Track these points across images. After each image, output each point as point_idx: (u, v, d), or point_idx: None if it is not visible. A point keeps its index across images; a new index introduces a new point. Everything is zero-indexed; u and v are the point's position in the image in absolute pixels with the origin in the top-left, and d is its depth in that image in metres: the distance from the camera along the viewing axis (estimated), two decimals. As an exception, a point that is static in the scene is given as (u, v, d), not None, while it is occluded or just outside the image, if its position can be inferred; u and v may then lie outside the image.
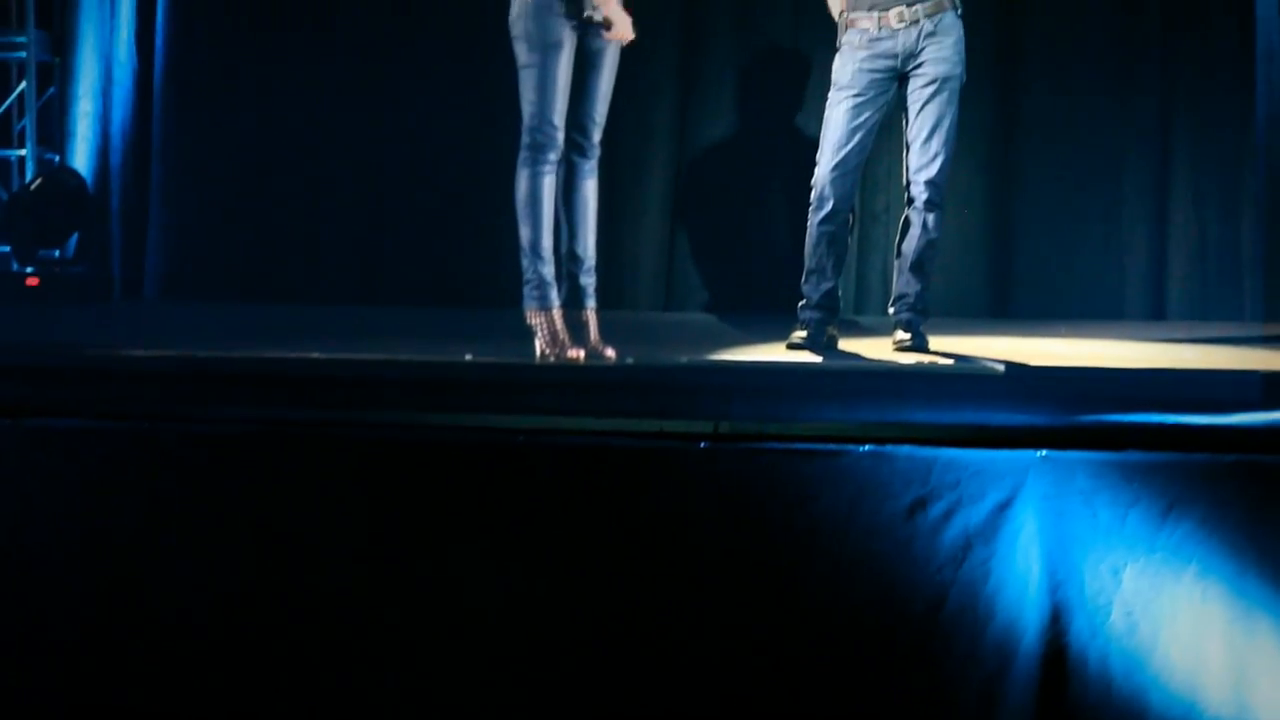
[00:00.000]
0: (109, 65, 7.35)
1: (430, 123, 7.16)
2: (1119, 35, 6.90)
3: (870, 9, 5.07)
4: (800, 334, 5.17)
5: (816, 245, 5.16)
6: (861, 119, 5.09)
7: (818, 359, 5.00)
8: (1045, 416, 3.68)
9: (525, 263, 4.72)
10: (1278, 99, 6.69)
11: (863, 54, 5.08)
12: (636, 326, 6.11)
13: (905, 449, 3.39)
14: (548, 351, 4.68)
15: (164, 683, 3.51)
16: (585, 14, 4.61)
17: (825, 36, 5.36)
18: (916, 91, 5.08)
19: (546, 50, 4.61)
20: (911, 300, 5.16)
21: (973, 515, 3.36)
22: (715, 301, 7.06)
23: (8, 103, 7.43)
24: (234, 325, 6.09)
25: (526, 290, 4.73)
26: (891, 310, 5.22)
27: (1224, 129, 6.84)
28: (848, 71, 5.11)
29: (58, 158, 7.42)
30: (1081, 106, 6.91)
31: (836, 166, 5.10)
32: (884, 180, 6.70)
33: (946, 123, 5.09)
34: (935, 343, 5.13)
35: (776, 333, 5.33)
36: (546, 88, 4.63)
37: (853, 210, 5.27)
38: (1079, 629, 3.33)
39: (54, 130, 7.41)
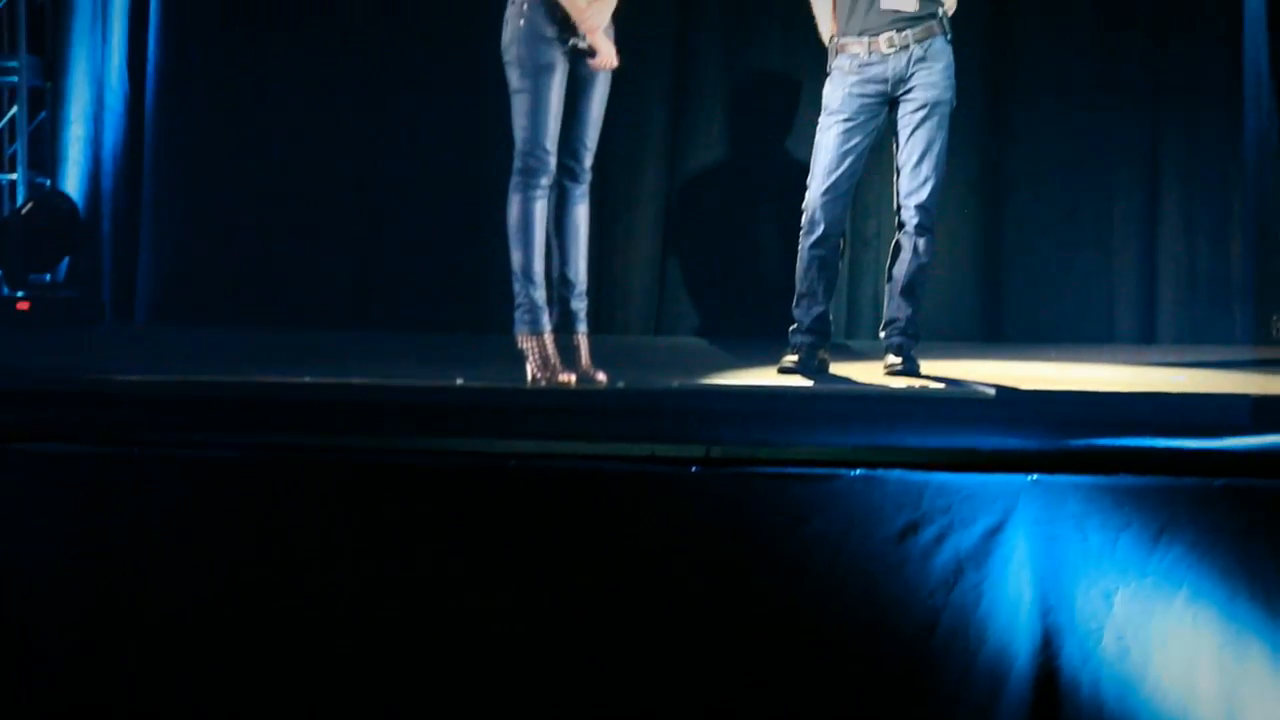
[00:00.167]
0: (101, 90, 7.35)
1: (422, 147, 7.16)
2: (1108, 61, 6.92)
3: (861, 34, 5.08)
4: (791, 358, 5.17)
5: (807, 269, 5.17)
6: (852, 143, 5.10)
7: (809, 383, 5.00)
8: (1036, 441, 3.68)
9: (517, 287, 4.73)
10: (1265, 125, 6.73)
11: (853, 79, 5.10)
12: (628, 351, 6.12)
13: (897, 473, 3.39)
14: (539, 376, 4.68)
15: (154, 707, 3.49)
16: (571, 42, 4.64)
17: (816, 61, 5.37)
18: (907, 116, 5.10)
19: (539, 75, 4.63)
20: (902, 324, 5.16)
21: (964, 539, 3.36)
22: (706, 326, 7.06)
23: (-1, 127, 7.45)
24: (225, 350, 6.08)
25: (518, 314, 4.73)
26: (882, 334, 5.22)
27: (1213, 154, 6.86)
28: (838, 96, 5.12)
29: (49, 182, 7.42)
30: (1071, 131, 6.93)
31: (827, 191, 5.11)
32: (875, 204, 6.71)
33: (937, 147, 5.10)
34: (926, 367, 5.14)
35: (768, 357, 5.33)
36: (538, 113, 4.64)
37: (844, 234, 5.27)
38: (1071, 653, 3.33)
39: (45, 154, 7.41)
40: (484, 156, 6.60)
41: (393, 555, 3.50)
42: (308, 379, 4.77)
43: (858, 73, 5.09)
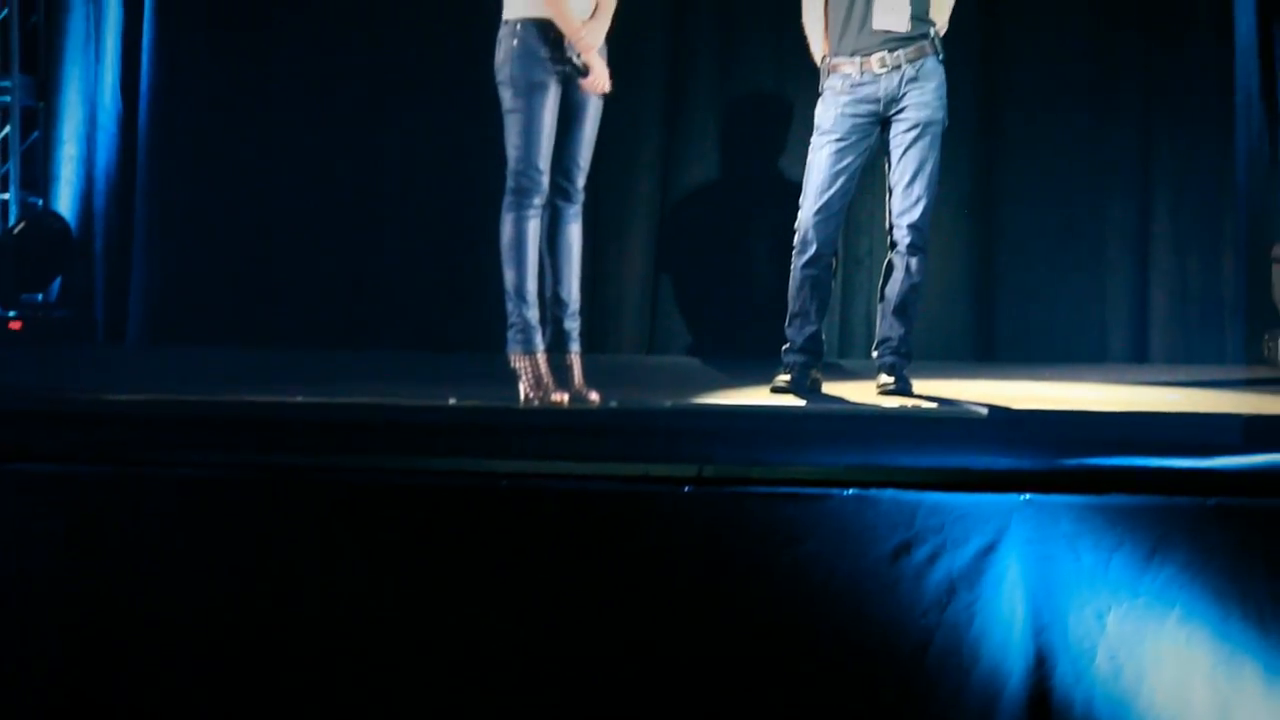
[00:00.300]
0: (93, 110, 7.36)
1: (414, 166, 7.18)
2: (1100, 82, 6.94)
3: (853, 54, 5.10)
4: (784, 377, 5.18)
5: (800, 289, 5.18)
6: (844, 163, 5.11)
7: (801, 402, 5.00)
8: (1029, 460, 3.69)
9: (510, 306, 4.73)
10: (1256, 144, 6.75)
11: (845, 99, 5.11)
12: (620, 370, 6.12)
13: (889, 493, 3.39)
14: (532, 395, 4.68)
15: (145, 729, 3.49)
16: (564, 63, 4.65)
17: (808, 82, 5.39)
18: (899, 136, 5.11)
19: (532, 95, 4.64)
20: (895, 344, 5.17)
21: (957, 559, 3.36)
22: (699, 345, 7.07)
23: (-9, 147, 7.45)
24: (217, 369, 6.08)
25: (511, 334, 4.73)
26: (875, 354, 5.23)
27: (1204, 174, 6.89)
28: (830, 116, 5.13)
29: (41, 201, 7.42)
30: (1063, 151, 6.95)
31: (819, 210, 5.12)
32: (867, 224, 6.72)
33: (929, 167, 5.11)
34: (919, 386, 5.14)
35: (760, 376, 5.33)
36: (531, 133, 4.65)
37: (836, 254, 5.28)
38: (1064, 673, 3.33)
39: (38, 174, 7.42)
40: (477, 176, 6.61)
41: (386, 575, 3.49)
42: (300, 398, 4.77)
43: (850, 93, 5.10)
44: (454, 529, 3.49)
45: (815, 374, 5.25)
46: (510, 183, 4.70)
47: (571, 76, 4.69)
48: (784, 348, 5.23)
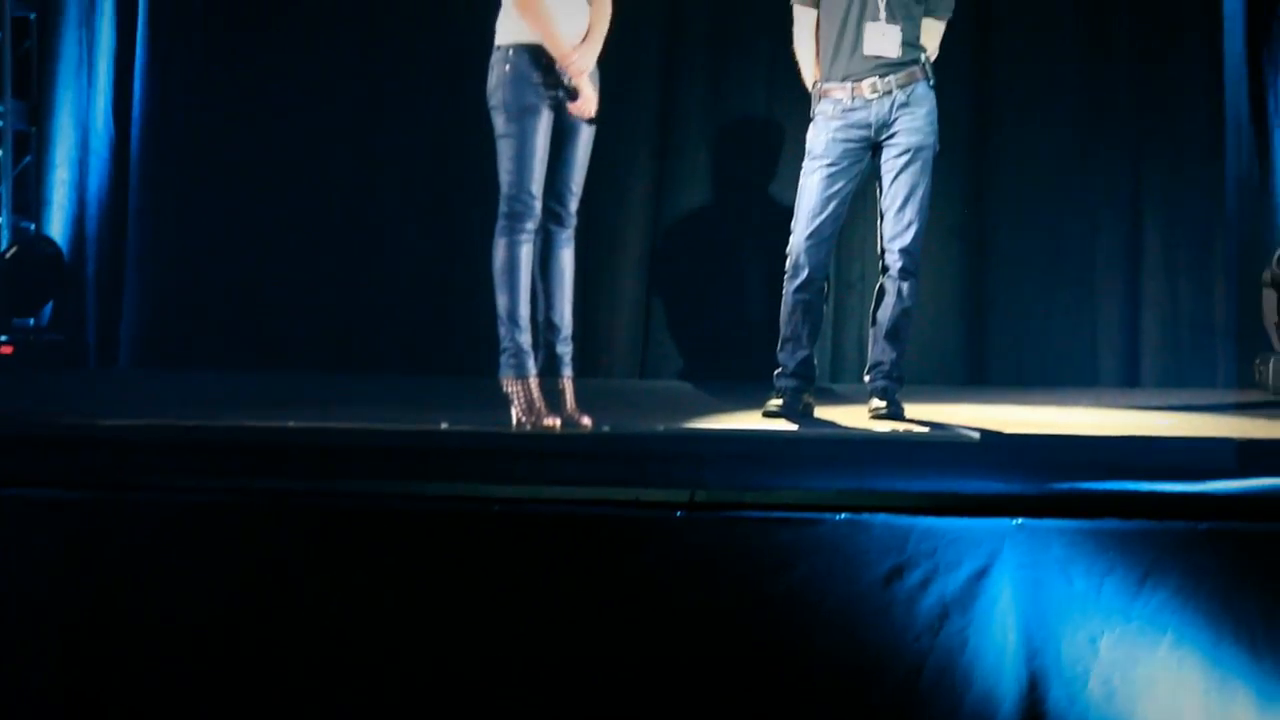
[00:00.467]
0: (86, 134, 7.37)
1: (407, 192, 7.19)
2: (1090, 106, 6.97)
3: (844, 79, 5.11)
4: (776, 402, 5.18)
5: (792, 313, 5.18)
6: (836, 188, 5.13)
7: (793, 427, 5.00)
8: (1021, 484, 3.69)
9: (502, 331, 4.73)
10: (1246, 169, 6.77)
11: (836, 124, 5.12)
12: (613, 394, 6.12)
13: (881, 517, 3.39)
14: (524, 420, 4.68)
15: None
16: (559, 80, 4.66)
17: (799, 106, 5.40)
18: (890, 161, 5.12)
19: (524, 120, 4.65)
20: (887, 368, 5.17)
21: (949, 583, 3.36)
22: (691, 369, 7.07)
23: (-16, 171, 7.45)
24: (209, 393, 6.08)
25: (503, 358, 4.73)
26: (867, 378, 5.23)
27: (1194, 198, 6.90)
28: (822, 141, 5.15)
29: (34, 226, 7.42)
30: (1054, 175, 6.97)
31: (811, 235, 5.13)
32: (859, 249, 6.73)
33: (920, 192, 5.12)
34: (911, 410, 5.14)
35: (752, 401, 5.33)
36: (524, 157, 4.66)
37: (828, 279, 5.29)
38: (1056, 698, 3.32)
39: (30, 198, 7.42)
40: (469, 201, 6.63)
41: (379, 599, 3.49)
42: (292, 423, 4.77)
43: (841, 118, 5.11)
44: (446, 553, 3.49)
45: (807, 398, 5.26)
46: (503, 207, 4.71)
47: (563, 101, 4.70)
48: (776, 372, 5.23)
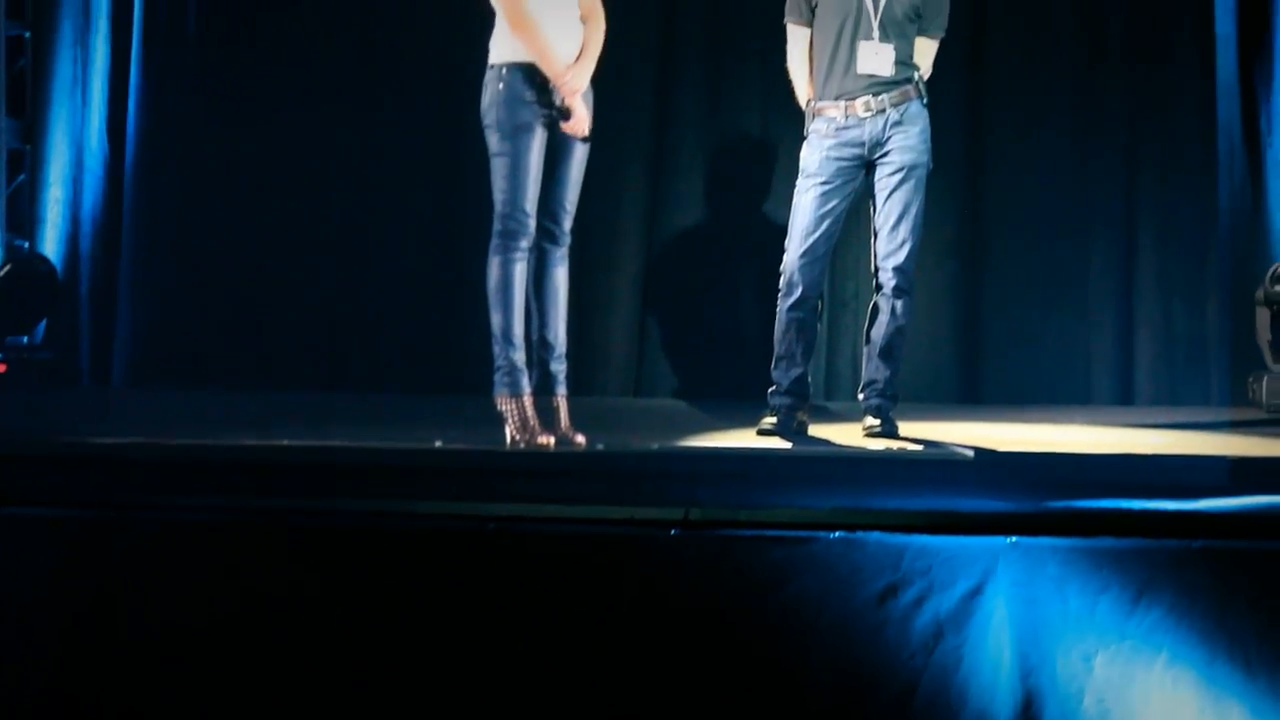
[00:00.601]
0: (80, 152, 7.37)
1: (401, 210, 7.19)
2: (1083, 125, 6.99)
3: (837, 98, 5.13)
4: (770, 420, 5.18)
5: (786, 331, 5.19)
6: (829, 206, 5.14)
7: (788, 445, 5.00)
8: (1015, 503, 3.69)
9: (496, 349, 4.73)
10: (1238, 188, 6.79)
11: (830, 142, 5.13)
12: (607, 412, 6.12)
13: (876, 535, 3.39)
14: (518, 438, 4.68)
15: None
16: (552, 98, 4.67)
17: (793, 125, 5.41)
18: (883, 179, 5.13)
19: (518, 139, 4.66)
20: (881, 386, 5.18)
21: (944, 602, 3.36)
22: (685, 387, 7.07)
23: (-23, 190, 7.45)
24: (202, 412, 6.07)
25: (497, 376, 4.73)
26: (861, 396, 5.24)
27: (1188, 216, 6.92)
28: (815, 159, 5.16)
29: (27, 244, 7.42)
30: (1047, 195, 6.98)
31: (805, 253, 5.13)
32: (853, 267, 6.74)
33: (913, 210, 5.13)
34: (905, 428, 5.15)
35: (746, 419, 5.34)
36: (518, 175, 4.66)
37: (821, 297, 5.30)
38: (1051, 716, 3.32)
39: (24, 217, 7.41)
40: (463, 219, 6.63)
41: (373, 618, 3.48)
42: (286, 441, 4.76)
43: (834, 136, 5.12)
44: (441, 572, 3.48)
45: (801, 416, 5.26)
46: (497, 225, 4.71)
47: (557, 120, 4.71)
48: (770, 390, 5.24)
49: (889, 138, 5.11)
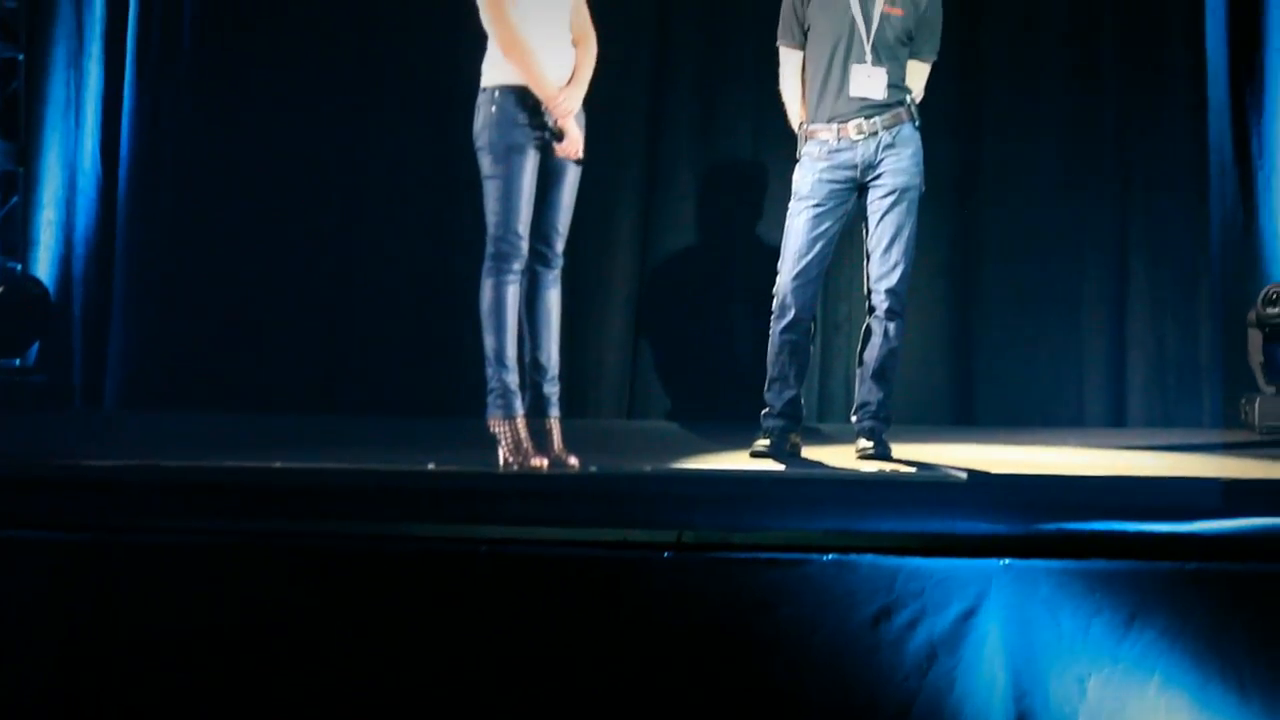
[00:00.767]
0: (73, 175, 7.37)
1: (394, 232, 7.19)
2: (1075, 148, 7.01)
3: (829, 121, 5.14)
4: (763, 442, 5.18)
5: (779, 354, 5.19)
6: (822, 229, 5.14)
7: (781, 467, 5.00)
8: (1008, 525, 3.69)
9: (489, 371, 4.73)
10: (1230, 210, 6.80)
11: (822, 165, 5.14)
12: (600, 435, 6.11)
13: (869, 558, 3.39)
14: (511, 460, 4.68)
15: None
16: (544, 121, 4.67)
17: (785, 147, 5.42)
18: (876, 202, 5.14)
19: (510, 161, 4.66)
20: (874, 408, 5.18)
21: (937, 624, 3.35)
22: (678, 410, 7.07)
23: (-30, 212, 7.45)
24: (195, 434, 6.06)
25: (490, 399, 4.73)
26: (854, 418, 5.24)
27: (1179, 239, 6.94)
28: (808, 182, 5.16)
29: (20, 266, 7.41)
30: (1040, 217, 7.00)
31: (798, 275, 5.14)
32: (845, 289, 6.75)
33: (906, 232, 5.14)
34: (898, 451, 5.15)
35: (740, 441, 5.33)
36: (510, 198, 4.67)
37: (814, 319, 5.30)
38: (1045, 739, 3.32)
39: (17, 239, 7.41)
40: (456, 242, 6.64)
41: (365, 640, 3.47)
42: (279, 464, 4.76)
43: (827, 159, 5.13)
44: (434, 594, 3.48)
45: (794, 439, 5.26)
46: (490, 248, 4.71)
47: (549, 143, 4.72)
48: (763, 412, 5.24)
49: (881, 160, 5.12)
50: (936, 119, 5.70)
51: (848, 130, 5.11)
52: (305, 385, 7.14)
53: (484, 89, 4.74)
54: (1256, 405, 6.35)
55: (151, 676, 3.47)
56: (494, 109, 4.69)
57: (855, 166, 5.12)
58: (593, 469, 4.74)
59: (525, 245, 4.71)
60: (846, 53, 5.10)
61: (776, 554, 3.42)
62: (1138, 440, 6.13)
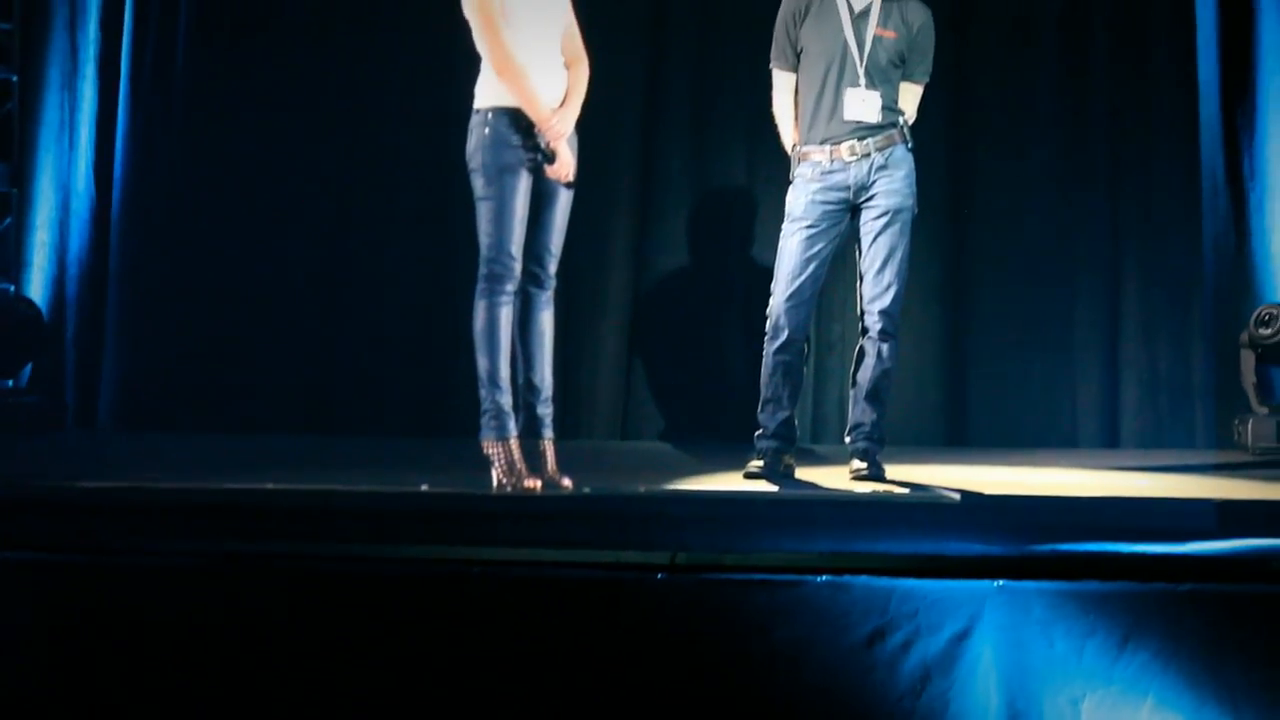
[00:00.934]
0: (67, 196, 7.37)
1: (387, 254, 7.20)
2: (1068, 169, 7.02)
3: (822, 143, 5.15)
4: (757, 463, 5.18)
5: (772, 374, 5.19)
6: (815, 249, 5.15)
7: (774, 488, 5.00)
8: (1001, 546, 3.69)
9: (483, 392, 4.73)
10: (1222, 231, 6.82)
11: (815, 186, 5.15)
12: (593, 456, 6.11)
13: (862, 579, 3.39)
14: (505, 481, 4.67)
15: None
16: (537, 142, 4.68)
17: (779, 168, 5.44)
18: (869, 223, 5.15)
19: (503, 183, 4.67)
20: (867, 429, 5.18)
21: (931, 645, 3.35)
22: (672, 431, 7.07)
23: (-37, 233, 7.44)
24: (188, 455, 6.05)
25: (484, 420, 4.73)
26: (848, 439, 5.24)
27: (1172, 259, 6.94)
28: (801, 203, 5.18)
29: (13, 288, 7.41)
30: (1032, 238, 7.01)
31: (791, 296, 5.14)
32: (839, 310, 6.75)
33: (899, 254, 5.15)
34: (891, 472, 5.15)
35: (733, 462, 5.33)
36: (503, 219, 4.67)
37: (808, 340, 5.31)
38: (1039, 761, 3.31)
39: (10, 260, 7.41)
40: (449, 263, 6.64)
41: (356, 663, 3.47)
42: (272, 485, 4.75)
43: (820, 180, 5.15)
44: (427, 615, 3.47)
45: (788, 460, 5.26)
46: (483, 269, 4.71)
47: (542, 164, 4.72)
48: (757, 433, 5.24)
49: (874, 182, 5.13)
50: (929, 141, 5.72)
51: (840, 152, 5.13)
52: (298, 406, 7.13)
53: (477, 111, 4.74)
54: (1249, 426, 6.35)
55: (144, 697, 3.46)
56: (487, 130, 4.69)
57: (848, 188, 5.13)
58: (586, 490, 4.74)
59: (518, 266, 4.71)
60: (839, 76, 5.12)
61: (770, 575, 3.42)
62: (1131, 461, 6.13)
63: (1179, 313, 6.95)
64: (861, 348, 5.20)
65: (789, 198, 5.23)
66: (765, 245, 6.29)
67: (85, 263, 7.37)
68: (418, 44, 7.01)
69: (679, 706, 3.40)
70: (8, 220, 7.43)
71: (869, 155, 5.12)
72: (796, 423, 5.29)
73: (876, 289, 5.14)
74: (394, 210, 7.17)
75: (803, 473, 5.30)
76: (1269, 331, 6.39)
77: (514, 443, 4.72)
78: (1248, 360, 6.50)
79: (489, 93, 4.72)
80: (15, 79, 7.40)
